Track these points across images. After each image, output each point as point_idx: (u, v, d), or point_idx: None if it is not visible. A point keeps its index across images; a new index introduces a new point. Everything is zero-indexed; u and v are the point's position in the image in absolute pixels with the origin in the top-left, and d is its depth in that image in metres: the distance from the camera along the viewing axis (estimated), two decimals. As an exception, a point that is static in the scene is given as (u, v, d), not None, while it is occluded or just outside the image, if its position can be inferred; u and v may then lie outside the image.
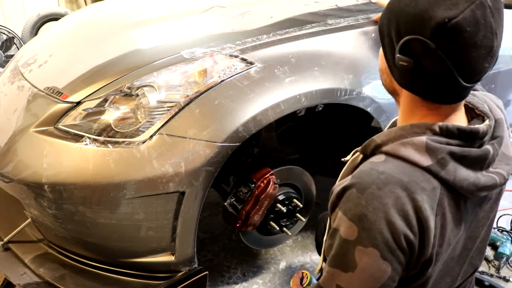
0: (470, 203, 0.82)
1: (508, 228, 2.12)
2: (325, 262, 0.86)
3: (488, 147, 0.80)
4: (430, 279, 0.83)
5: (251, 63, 1.32)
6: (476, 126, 0.80)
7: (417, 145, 0.77)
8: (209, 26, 1.62)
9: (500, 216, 2.20)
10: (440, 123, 0.78)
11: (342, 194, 0.79)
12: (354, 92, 1.42)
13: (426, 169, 0.76)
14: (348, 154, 0.93)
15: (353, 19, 1.59)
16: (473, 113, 0.87)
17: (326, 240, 0.85)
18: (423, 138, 0.77)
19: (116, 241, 1.30)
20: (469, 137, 0.78)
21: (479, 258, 0.96)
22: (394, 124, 1.00)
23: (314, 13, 1.64)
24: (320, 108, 1.51)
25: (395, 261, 0.74)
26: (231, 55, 1.35)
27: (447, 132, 0.77)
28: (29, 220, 1.38)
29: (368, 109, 1.48)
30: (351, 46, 1.48)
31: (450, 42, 0.70)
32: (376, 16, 1.57)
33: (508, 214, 2.22)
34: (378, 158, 0.80)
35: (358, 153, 0.88)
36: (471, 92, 0.86)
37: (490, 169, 0.82)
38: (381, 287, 0.75)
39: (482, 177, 0.79)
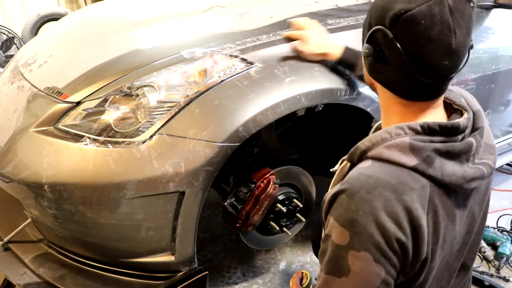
0: (461, 197, 0.83)
1: (508, 228, 2.12)
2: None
3: (471, 139, 0.82)
4: (429, 277, 0.83)
5: (251, 63, 1.32)
6: (456, 120, 0.82)
7: (401, 146, 0.78)
8: (209, 26, 1.62)
9: (500, 216, 2.20)
10: (421, 122, 0.80)
11: (333, 201, 0.79)
12: (354, 92, 1.42)
13: (413, 169, 0.77)
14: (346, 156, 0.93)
15: (353, 19, 1.59)
16: (451, 108, 0.89)
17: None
18: (406, 139, 0.78)
19: (116, 241, 1.30)
20: (451, 132, 0.80)
21: (474, 251, 0.97)
22: (378, 128, 1.02)
23: (314, 13, 1.64)
24: (320, 108, 1.51)
25: (388, 264, 0.75)
26: (231, 55, 1.34)
27: (429, 130, 0.79)
28: (29, 220, 1.38)
29: (368, 109, 1.48)
30: (351, 46, 1.47)
31: (405, 32, 0.75)
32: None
33: (508, 214, 2.22)
34: (365, 164, 0.81)
35: (345, 161, 0.89)
36: (448, 88, 0.88)
37: (476, 160, 0.83)
38: None
39: (469, 169, 0.81)
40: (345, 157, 0.89)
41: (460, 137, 0.81)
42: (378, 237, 0.73)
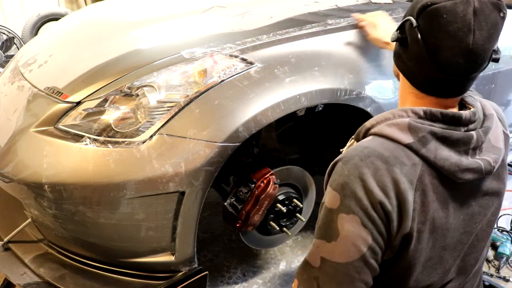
0: (458, 189, 0.85)
1: (508, 228, 2.12)
2: None
3: (472, 132, 0.84)
4: (417, 261, 0.84)
5: (251, 63, 1.32)
6: (459, 111, 0.85)
7: (401, 125, 0.83)
8: (209, 26, 1.62)
9: (500, 216, 2.20)
10: (424, 108, 0.83)
11: (331, 170, 0.85)
12: (354, 92, 1.42)
13: (408, 146, 0.81)
14: (354, 135, 0.98)
15: (353, 19, 1.59)
16: (463, 108, 0.91)
17: None
18: (407, 119, 0.83)
19: (116, 241, 1.30)
20: (452, 122, 0.83)
21: (476, 257, 0.96)
22: None
23: (314, 13, 1.64)
24: (320, 108, 1.51)
25: (375, 230, 0.78)
26: (231, 55, 1.34)
27: (431, 116, 0.83)
28: (29, 220, 1.38)
29: (368, 109, 1.48)
30: (351, 46, 1.48)
31: (427, 23, 0.79)
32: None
33: (508, 214, 2.22)
34: (367, 139, 0.87)
35: (353, 140, 0.95)
36: (470, 93, 0.90)
37: (477, 156, 0.85)
38: (361, 257, 0.78)
39: (465, 160, 0.83)
40: (353, 136, 0.95)
41: (462, 129, 0.84)
42: (365, 201, 0.77)
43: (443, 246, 0.87)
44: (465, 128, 0.84)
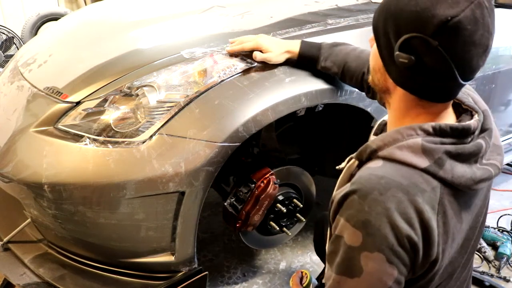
0: (468, 196, 0.84)
1: (508, 228, 2.12)
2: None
3: (480, 141, 0.82)
4: (437, 275, 0.84)
5: (251, 63, 1.32)
6: (467, 122, 0.81)
7: (413, 147, 0.78)
8: (209, 26, 1.62)
9: (501, 216, 2.20)
10: (433, 124, 0.79)
11: (343, 201, 0.79)
12: (354, 92, 1.42)
13: (425, 170, 0.77)
14: (347, 156, 0.93)
15: (353, 19, 1.59)
16: (460, 108, 0.89)
17: (327, 246, 0.85)
18: (418, 140, 0.78)
19: (116, 241, 1.30)
20: (461, 134, 0.80)
21: (475, 247, 0.98)
22: (381, 125, 1.01)
23: (314, 13, 1.64)
24: (320, 108, 1.51)
25: (401, 263, 0.75)
26: (231, 55, 1.35)
27: (440, 132, 0.79)
28: (29, 220, 1.38)
29: (368, 109, 1.48)
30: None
31: (451, 39, 0.72)
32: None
33: (508, 214, 2.22)
34: (376, 163, 0.80)
35: (353, 159, 0.89)
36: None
37: (484, 161, 0.84)
38: None
39: (477, 170, 0.81)
40: (353, 155, 0.89)
41: (469, 138, 0.81)
42: (391, 238, 0.73)
43: (456, 250, 0.87)
44: (472, 137, 0.82)
